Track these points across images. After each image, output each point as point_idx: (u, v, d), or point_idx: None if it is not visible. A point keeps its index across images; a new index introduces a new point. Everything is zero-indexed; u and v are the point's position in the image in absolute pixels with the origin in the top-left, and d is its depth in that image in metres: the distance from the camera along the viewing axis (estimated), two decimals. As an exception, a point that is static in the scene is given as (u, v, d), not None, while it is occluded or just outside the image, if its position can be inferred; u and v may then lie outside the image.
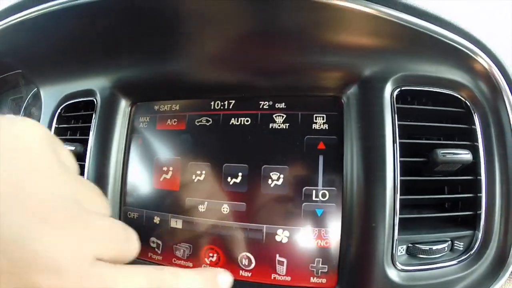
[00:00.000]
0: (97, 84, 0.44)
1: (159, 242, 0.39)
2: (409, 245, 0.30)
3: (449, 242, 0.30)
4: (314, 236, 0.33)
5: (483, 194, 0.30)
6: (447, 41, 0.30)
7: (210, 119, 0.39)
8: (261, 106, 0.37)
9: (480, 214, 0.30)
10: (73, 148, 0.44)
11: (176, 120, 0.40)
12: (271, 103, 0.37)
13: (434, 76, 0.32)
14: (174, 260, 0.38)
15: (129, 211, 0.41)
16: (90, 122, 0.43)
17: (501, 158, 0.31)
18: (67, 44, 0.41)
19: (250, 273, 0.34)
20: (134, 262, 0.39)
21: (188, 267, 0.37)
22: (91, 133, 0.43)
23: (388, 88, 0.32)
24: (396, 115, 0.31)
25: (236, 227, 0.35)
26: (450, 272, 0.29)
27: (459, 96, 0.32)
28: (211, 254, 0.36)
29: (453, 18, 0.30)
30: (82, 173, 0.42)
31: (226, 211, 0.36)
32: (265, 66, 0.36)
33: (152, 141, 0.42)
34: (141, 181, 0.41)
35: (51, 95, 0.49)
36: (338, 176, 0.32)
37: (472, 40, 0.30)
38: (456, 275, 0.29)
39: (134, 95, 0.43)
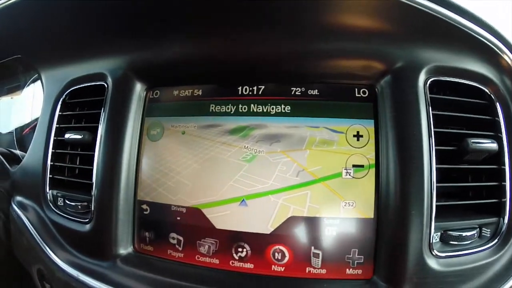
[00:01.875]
0: (108, 67, 0.37)
1: (180, 238, 0.34)
2: (442, 232, 0.30)
3: (477, 229, 0.31)
4: (350, 226, 0.31)
5: (507, 182, 0.31)
6: (476, 35, 0.30)
7: (235, 106, 0.34)
8: (292, 93, 0.33)
9: (505, 202, 0.30)
10: (80, 136, 0.38)
11: (199, 107, 0.35)
12: (303, 89, 0.33)
13: (462, 69, 0.32)
14: (198, 257, 0.34)
15: (145, 204, 0.35)
16: (99, 109, 0.37)
17: None
18: (73, 21, 0.35)
19: (284, 268, 0.32)
20: (152, 261, 0.35)
21: (213, 264, 0.33)
22: (101, 120, 0.36)
23: (422, 77, 0.31)
24: (430, 105, 0.30)
25: None
26: (481, 258, 0.30)
27: (485, 89, 0.32)
28: (240, 250, 0.33)
29: (482, 14, 0.29)
30: (91, 163, 0.36)
31: (259, 205, 0.32)
32: (298, 50, 0.32)
33: (172, 131, 0.36)
34: (158, 171, 0.35)
35: (54, 80, 0.42)
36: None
37: (498, 37, 0.31)
38: (486, 260, 0.30)
39: (151, 79, 0.37)
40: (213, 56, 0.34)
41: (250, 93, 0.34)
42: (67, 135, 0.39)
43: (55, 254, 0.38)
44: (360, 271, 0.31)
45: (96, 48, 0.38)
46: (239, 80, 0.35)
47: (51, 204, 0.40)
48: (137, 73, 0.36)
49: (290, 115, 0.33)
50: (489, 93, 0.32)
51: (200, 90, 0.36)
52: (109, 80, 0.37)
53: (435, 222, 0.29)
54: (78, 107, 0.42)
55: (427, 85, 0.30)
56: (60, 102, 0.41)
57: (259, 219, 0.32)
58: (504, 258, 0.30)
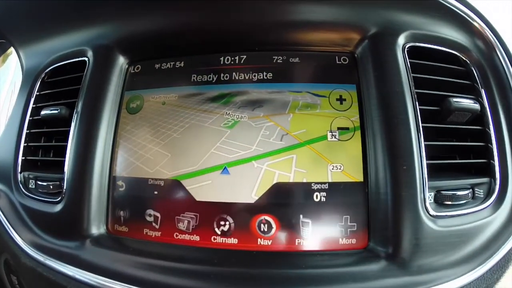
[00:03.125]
0: (89, 40, 0.36)
1: (157, 214, 0.31)
2: (435, 192, 0.28)
3: (470, 189, 0.28)
4: (339, 191, 0.28)
5: (494, 143, 0.29)
6: (447, 4, 0.31)
7: (217, 75, 0.32)
8: (274, 61, 0.32)
9: (493, 163, 0.29)
10: (56, 111, 0.35)
11: (180, 79, 0.33)
12: (285, 57, 0.32)
13: (437, 36, 0.32)
14: (176, 235, 0.30)
15: (120, 180, 0.32)
16: (79, 85, 0.35)
17: (505, 108, 0.31)
18: None
19: (271, 241, 0.28)
20: (126, 242, 0.31)
21: (193, 241, 0.29)
22: (79, 94, 0.34)
23: (399, 43, 0.31)
24: (409, 68, 0.29)
25: None
26: (477, 218, 0.28)
27: (460, 55, 0.32)
28: (222, 223, 0.29)
29: None
30: (66, 139, 0.33)
31: (242, 171, 0.29)
32: (279, 20, 0.32)
33: (152, 103, 0.34)
34: (136, 144, 0.33)
35: (33, 58, 0.40)
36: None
37: (467, 5, 0.32)
38: (483, 221, 0.28)
39: (133, 52, 0.36)
40: (195, 27, 0.34)
41: (232, 62, 0.33)
42: (43, 112, 0.37)
43: (22, 238, 0.34)
44: (354, 240, 0.28)
45: (77, 20, 0.37)
46: (221, 49, 0.34)
47: (21, 187, 0.36)
48: (119, 46, 0.35)
49: (272, 81, 0.32)
50: (464, 58, 0.32)
51: (182, 62, 0.34)
52: (90, 54, 0.36)
53: (428, 181, 0.27)
54: (58, 84, 0.39)
55: (405, 50, 0.30)
56: (38, 82, 0.39)
57: (242, 188, 0.29)
58: (500, 217, 0.28)
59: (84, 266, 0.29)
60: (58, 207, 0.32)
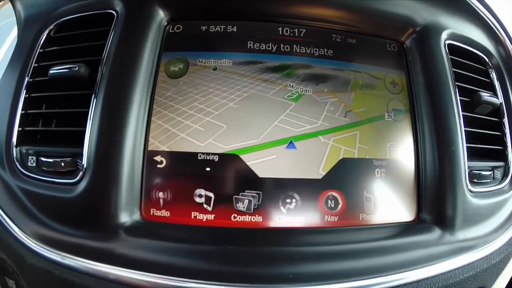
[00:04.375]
0: None
1: (210, 194, 0.26)
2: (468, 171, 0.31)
3: (492, 171, 0.33)
4: (396, 168, 0.29)
5: (507, 132, 0.35)
6: (481, 13, 0.36)
7: (277, 45, 0.30)
8: (333, 39, 0.31)
9: (508, 149, 0.34)
10: (74, 69, 0.27)
11: (233, 44, 0.29)
12: (343, 37, 0.32)
13: (470, 38, 0.36)
14: (235, 217, 0.26)
15: (159, 155, 0.26)
16: (102, 40, 0.28)
17: None
18: None
19: (337, 217, 0.27)
20: (169, 229, 0.25)
21: (255, 223, 0.26)
22: (105, 52, 0.28)
23: (443, 39, 0.33)
24: (450, 62, 0.32)
25: None
26: (499, 194, 0.32)
27: (484, 57, 0.37)
28: (288, 201, 0.27)
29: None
30: (84, 106, 0.26)
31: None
32: (341, 3, 0.31)
33: (199, 67, 0.29)
34: (181, 113, 0.28)
35: (35, 6, 0.31)
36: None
37: (496, 17, 0.38)
38: (504, 196, 0.32)
39: (175, 8, 0.30)
40: None
41: (292, 34, 0.31)
42: (52, 71, 0.28)
43: (25, 233, 0.25)
44: (408, 213, 0.29)
45: None
46: (279, 20, 0.31)
47: (18, 165, 0.27)
48: (159, 2, 0.29)
49: (333, 58, 0.31)
50: (487, 60, 0.37)
51: (235, 27, 0.30)
52: (120, 6, 0.29)
53: (468, 163, 0.30)
54: (68, 42, 0.30)
55: (446, 46, 0.33)
56: (44, 37, 0.30)
57: (309, 163, 0.27)
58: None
59: (120, 262, 0.23)
60: (78, 190, 0.25)
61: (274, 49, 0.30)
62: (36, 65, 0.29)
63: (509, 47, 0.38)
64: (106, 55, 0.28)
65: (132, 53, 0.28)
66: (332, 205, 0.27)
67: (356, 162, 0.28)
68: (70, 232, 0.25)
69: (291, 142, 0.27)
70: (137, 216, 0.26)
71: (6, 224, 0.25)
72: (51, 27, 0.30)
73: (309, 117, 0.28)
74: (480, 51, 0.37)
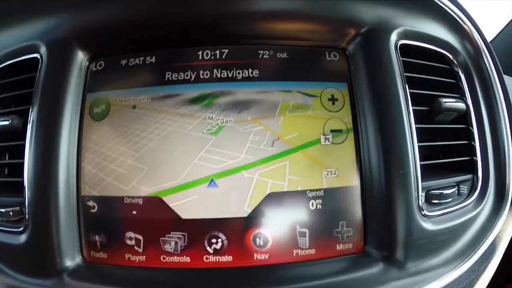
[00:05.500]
0: (42, 33, 0.29)
1: (139, 237, 0.26)
2: (425, 192, 0.27)
3: (456, 187, 0.28)
4: (335, 197, 0.26)
5: (476, 141, 0.29)
6: (441, 4, 0.30)
7: (196, 72, 0.27)
8: (260, 56, 0.28)
9: (476, 160, 0.29)
10: (6, 122, 0.28)
11: (152, 77, 0.27)
12: (272, 52, 0.28)
13: (429, 35, 0.30)
14: (164, 258, 0.26)
15: (91, 200, 0.27)
16: (31, 88, 0.28)
17: (488, 108, 0.31)
18: None
19: (268, 254, 0.26)
20: (108, 270, 0.26)
21: (184, 263, 0.26)
22: (33, 100, 0.27)
23: (392, 40, 0.28)
24: (402, 67, 0.27)
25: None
26: (463, 214, 0.28)
27: (449, 55, 0.31)
28: (214, 241, 0.26)
29: None
30: (21, 155, 0.27)
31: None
32: (266, 8, 0.27)
33: (120, 106, 0.28)
34: (106, 157, 0.27)
35: None
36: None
37: (460, 7, 0.31)
38: (469, 215, 0.28)
39: (94, 46, 0.29)
40: (167, 15, 0.28)
41: (212, 57, 0.28)
42: None
43: None
44: (351, 245, 0.26)
45: (26, 10, 0.29)
46: (197, 42, 0.28)
47: None
48: (77, 39, 0.28)
49: (259, 80, 0.28)
50: (452, 58, 0.31)
51: (154, 57, 0.28)
52: (43, 49, 0.28)
53: (421, 183, 0.26)
54: (3, 89, 0.31)
55: (398, 47, 0.28)
56: None
57: (233, 201, 0.26)
58: (484, 212, 0.29)
59: None
60: (23, 238, 0.26)
61: (193, 77, 0.28)
62: None
63: (477, 41, 0.32)
64: (33, 102, 0.28)
65: (56, 98, 0.27)
66: (261, 243, 0.26)
67: (286, 196, 0.26)
68: (21, 278, 0.27)
69: (212, 180, 0.26)
70: (79, 260, 0.27)
71: None
72: None
73: (231, 151, 0.26)
74: (442, 48, 0.30)
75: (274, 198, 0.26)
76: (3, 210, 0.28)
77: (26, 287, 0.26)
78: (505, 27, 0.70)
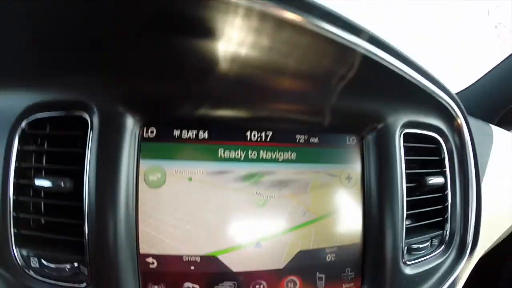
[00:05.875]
0: (91, 94, 0.29)
1: (196, 286, 0.33)
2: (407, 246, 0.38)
3: (429, 241, 0.40)
4: (344, 251, 0.36)
5: (449, 207, 0.40)
6: (441, 100, 0.38)
7: (245, 152, 0.33)
8: (297, 140, 0.35)
9: (447, 218, 0.40)
10: (60, 184, 0.29)
11: (206, 153, 0.32)
12: (306, 137, 0.35)
13: (427, 123, 0.39)
14: (217, 301, 0.33)
15: (150, 257, 0.32)
16: (79, 147, 0.30)
17: (461, 182, 0.42)
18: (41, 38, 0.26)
19: (296, 295, 0.35)
20: None
21: (232, 303, 0.33)
22: (86, 163, 0.29)
23: (399, 131, 0.37)
24: (403, 152, 0.36)
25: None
26: (433, 260, 0.39)
27: (440, 139, 0.40)
28: (257, 286, 0.34)
29: (445, 83, 0.38)
30: (79, 216, 0.29)
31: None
32: (304, 107, 0.34)
33: (176, 178, 0.32)
34: (164, 222, 0.32)
35: (6, 105, 0.30)
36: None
37: (454, 100, 0.40)
38: (437, 262, 0.39)
39: (146, 115, 0.31)
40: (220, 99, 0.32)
41: (259, 139, 0.34)
42: (38, 182, 0.30)
43: None
44: (352, 284, 0.37)
45: (75, 72, 0.29)
46: (247, 124, 0.33)
47: (20, 266, 0.30)
48: (129, 106, 0.30)
49: (295, 162, 0.35)
50: (442, 142, 0.41)
51: (206, 133, 0.33)
52: (95, 111, 0.29)
53: (405, 240, 0.37)
54: (45, 141, 0.31)
55: (401, 136, 0.37)
56: (18, 133, 0.30)
57: (273, 257, 0.34)
58: (449, 259, 0.41)
59: None
60: None
61: (243, 157, 0.34)
62: (18, 165, 0.30)
63: (464, 130, 0.41)
64: (87, 164, 0.29)
65: (114, 165, 0.29)
66: (292, 286, 0.35)
67: (311, 252, 0.35)
68: None
69: (258, 243, 0.33)
70: None
71: None
72: (23, 123, 0.30)
73: (273, 220, 0.33)
74: (436, 133, 0.40)
75: (303, 254, 0.34)
76: (53, 265, 0.30)
77: None
78: (487, 73, 0.78)
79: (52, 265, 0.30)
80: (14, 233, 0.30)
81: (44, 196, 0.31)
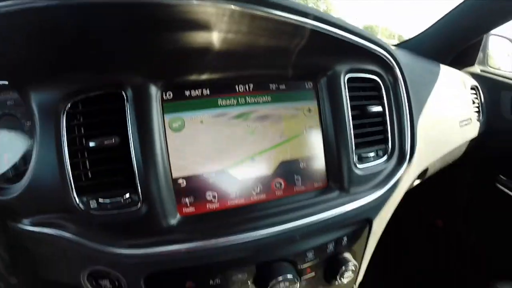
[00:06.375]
0: (126, 77, 0.42)
1: (215, 193, 0.48)
2: (358, 155, 0.55)
3: (375, 152, 0.56)
4: (313, 161, 0.52)
5: (388, 127, 0.56)
6: (377, 53, 0.54)
7: (236, 100, 0.49)
8: (271, 88, 0.51)
9: (387, 136, 0.56)
10: (111, 141, 0.40)
11: (210, 103, 0.48)
12: (277, 85, 0.52)
13: (366, 68, 0.56)
14: (229, 202, 0.49)
15: (180, 179, 0.46)
16: (118, 114, 0.41)
17: (396, 110, 0.57)
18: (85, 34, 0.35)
19: (281, 192, 0.51)
20: (196, 218, 0.47)
21: (241, 202, 0.49)
22: (129, 123, 0.42)
23: (344, 76, 0.53)
24: (347, 90, 0.53)
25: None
26: (379, 166, 0.56)
27: (376, 78, 0.57)
28: (255, 187, 0.50)
29: (378, 39, 0.54)
30: (127, 162, 0.42)
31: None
32: (274, 64, 0.50)
33: (192, 122, 0.47)
34: (187, 152, 0.46)
35: (51, 91, 0.40)
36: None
37: (387, 51, 0.56)
38: (382, 167, 0.56)
39: (165, 84, 0.44)
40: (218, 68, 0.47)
41: (245, 90, 0.49)
42: (92, 143, 0.40)
43: (113, 246, 0.41)
44: (321, 183, 0.53)
45: (113, 61, 0.40)
46: (235, 81, 0.49)
47: (85, 210, 0.40)
48: (153, 81, 0.43)
49: (271, 102, 0.51)
50: (379, 81, 0.57)
51: (208, 90, 0.48)
52: (128, 88, 0.41)
53: (355, 151, 0.53)
54: (85, 116, 0.41)
55: (346, 78, 0.53)
56: (64, 113, 0.39)
57: (264, 167, 0.50)
58: (391, 164, 0.57)
59: (177, 243, 0.42)
60: (141, 211, 0.41)
61: (235, 103, 0.49)
62: (71, 135, 0.39)
63: (397, 72, 0.57)
64: (129, 126, 0.41)
65: (148, 121, 0.41)
66: (278, 186, 0.51)
67: (289, 162, 0.51)
68: (142, 237, 0.41)
69: (253, 158, 0.49)
70: (178, 216, 0.43)
71: (93, 246, 0.40)
72: (68, 104, 0.39)
73: (261, 142, 0.50)
74: (375, 75, 0.57)
75: (284, 163, 0.50)
76: (108, 200, 0.41)
77: (147, 243, 0.41)
78: (441, 17, 0.89)
79: (108, 201, 0.40)
80: (74, 186, 0.39)
81: (96, 154, 0.41)
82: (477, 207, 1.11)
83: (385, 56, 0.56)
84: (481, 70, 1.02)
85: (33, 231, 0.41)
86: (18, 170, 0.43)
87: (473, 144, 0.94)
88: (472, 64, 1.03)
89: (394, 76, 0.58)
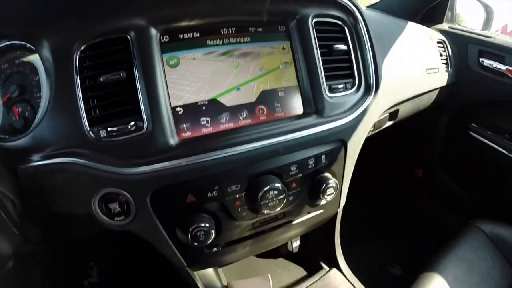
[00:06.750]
0: (131, 22, 0.51)
1: (208, 118, 0.57)
2: (329, 87, 0.65)
3: (344, 84, 0.66)
4: (289, 91, 0.63)
5: (354, 63, 0.68)
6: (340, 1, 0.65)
7: (222, 40, 0.59)
8: (250, 30, 0.61)
9: (353, 71, 0.68)
10: (118, 76, 0.48)
11: (200, 43, 0.58)
12: (254, 28, 0.61)
13: (330, 14, 0.66)
14: (220, 126, 0.59)
15: (178, 107, 0.55)
16: (124, 54, 0.49)
17: (360, 48, 0.68)
18: None
19: (265, 117, 0.61)
20: (192, 140, 0.57)
21: (230, 126, 0.59)
22: (134, 61, 0.50)
23: (312, 19, 0.63)
24: (315, 31, 0.63)
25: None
26: (348, 96, 0.66)
27: (340, 23, 0.68)
28: (242, 113, 0.60)
29: None
30: (130, 94, 0.50)
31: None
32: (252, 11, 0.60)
33: (186, 59, 0.57)
34: (183, 84, 0.56)
35: (63, 39, 0.46)
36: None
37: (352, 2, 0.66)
38: (350, 96, 0.66)
39: (163, 30, 0.54)
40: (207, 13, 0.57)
41: (228, 32, 0.59)
42: (102, 78, 0.46)
43: (122, 167, 0.47)
44: (298, 110, 0.63)
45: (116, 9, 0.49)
46: (221, 25, 0.59)
47: (96, 139, 0.47)
48: (153, 26, 0.50)
49: (251, 42, 0.61)
50: (342, 24, 0.68)
51: (198, 33, 0.57)
52: (131, 31, 0.49)
53: (326, 83, 0.63)
54: (94, 58, 0.48)
55: (313, 21, 0.63)
56: (77, 54, 0.46)
57: (248, 95, 0.60)
58: (358, 94, 0.67)
59: (180, 157, 0.50)
60: (145, 133, 0.48)
61: (221, 43, 0.59)
62: (82, 75, 0.46)
63: (357, 15, 0.68)
64: (135, 64, 0.49)
65: (149, 59, 0.51)
66: (261, 112, 0.61)
67: (269, 91, 0.61)
68: (146, 157, 0.49)
69: (238, 88, 0.59)
70: (176, 139, 0.51)
71: (103, 170, 0.47)
72: (82, 48, 0.46)
73: (244, 74, 0.60)
74: (338, 20, 0.67)
75: (265, 92, 0.61)
76: (116, 128, 0.47)
77: (151, 161, 0.49)
78: None
79: (115, 128, 0.47)
80: (87, 119, 0.46)
81: (105, 88, 0.47)
82: (453, 154, 1.21)
83: (345, 2, 0.67)
84: (449, 27, 1.11)
85: (46, 164, 0.46)
86: (27, 122, 0.47)
87: (445, 95, 1.04)
88: (440, 22, 1.13)
89: (355, 18, 0.69)
